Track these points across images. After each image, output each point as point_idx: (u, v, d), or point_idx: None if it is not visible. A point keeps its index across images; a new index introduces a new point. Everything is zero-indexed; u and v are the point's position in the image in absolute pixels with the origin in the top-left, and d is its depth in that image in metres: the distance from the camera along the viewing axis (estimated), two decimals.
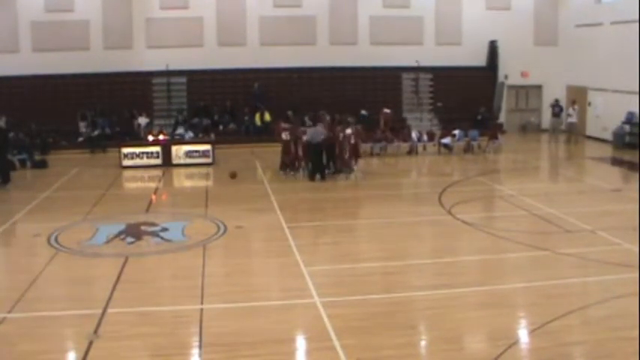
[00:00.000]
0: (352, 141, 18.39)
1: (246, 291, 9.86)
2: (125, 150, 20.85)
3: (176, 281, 10.36)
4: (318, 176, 18.12)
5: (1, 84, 24.31)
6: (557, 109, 26.06)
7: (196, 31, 26.27)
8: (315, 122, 18.62)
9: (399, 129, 23.68)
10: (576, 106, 25.43)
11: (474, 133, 23.45)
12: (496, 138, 23.47)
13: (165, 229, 13.13)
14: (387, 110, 24.34)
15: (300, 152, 18.56)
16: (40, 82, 24.78)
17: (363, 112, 25.05)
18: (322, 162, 18.37)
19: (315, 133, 18.25)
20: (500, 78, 27.84)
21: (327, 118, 20.41)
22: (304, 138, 18.35)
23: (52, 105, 24.31)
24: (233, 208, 15.01)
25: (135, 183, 19.74)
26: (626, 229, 12.47)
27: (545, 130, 25.75)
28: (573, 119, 25.32)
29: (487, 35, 27.61)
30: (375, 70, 27.06)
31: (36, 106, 24.08)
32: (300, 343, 8.27)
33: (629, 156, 21.86)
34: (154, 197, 17.10)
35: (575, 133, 25.21)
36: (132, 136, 23.76)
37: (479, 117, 25.81)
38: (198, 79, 26.43)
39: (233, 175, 18.28)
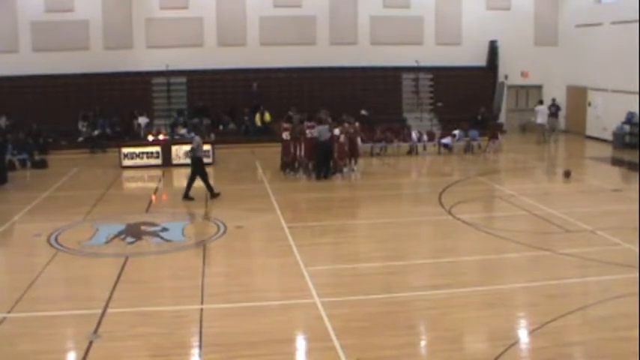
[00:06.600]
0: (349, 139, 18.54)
1: (246, 291, 9.86)
2: (125, 150, 20.85)
3: (176, 281, 10.35)
4: (322, 174, 18.13)
5: (1, 84, 24.30)
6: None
7: (196, 31, 26.25)
8: (320, 122, 18.58)
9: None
10: (541, 107, 25.52)
11: (474, 133, 23.45)
12: (496, 138, 23.48)
13: (165, 229, 13.14)
14: (363, 112, 24.45)
15: (300, 152, 18.54)
16: (40, 82, 24.74)
17: (363, 112, 25.03)
18: (329, 160, 18.39)
19: (323, 130, 18.25)
20: (501, 78, 27.85)
21: (329, 119, 20.38)
22: (312, 133, 18.24)
23: (52, 105, 24.30)
24: (233, 208, 15.00)
25: (135, 183, 19.73)
26: (626, 229, 12.47)
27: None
28: (541, 120, 25.37)
29: (487, 35, 27.59)
30: (375, 70, 27.04)
31: (36, 106, 24.08)
32: (300, 343, 8.28)
33: (629, 156, 21.86)
34: (154, 197, 17.10)
35: (542, 133, 25.22)
36: (132, 136, 23.76)
37: (479, 117, 25.78)
38: (198, 79, 26.42)
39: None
